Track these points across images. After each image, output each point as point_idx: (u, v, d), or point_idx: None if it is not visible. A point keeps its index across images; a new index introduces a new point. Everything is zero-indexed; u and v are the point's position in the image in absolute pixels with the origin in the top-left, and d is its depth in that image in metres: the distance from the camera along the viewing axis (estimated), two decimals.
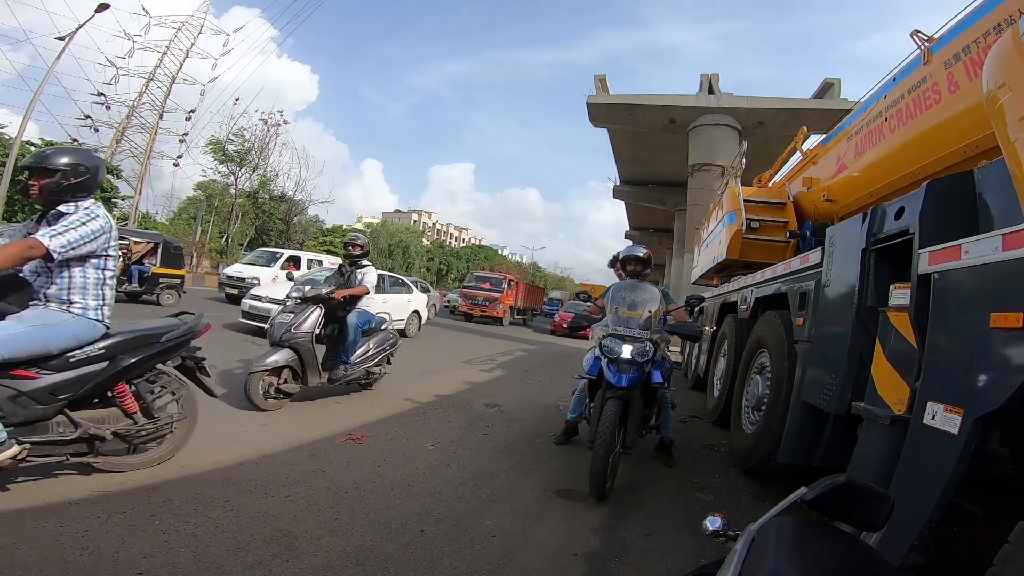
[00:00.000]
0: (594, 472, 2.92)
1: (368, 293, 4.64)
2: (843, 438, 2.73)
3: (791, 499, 1.03)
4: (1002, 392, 1.54)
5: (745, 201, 5.51)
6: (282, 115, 28.19)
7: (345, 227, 45.94)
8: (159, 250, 10.88)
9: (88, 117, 26.75)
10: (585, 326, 3.90)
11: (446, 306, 22.49)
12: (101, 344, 2.33)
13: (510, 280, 21.12)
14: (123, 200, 24.72)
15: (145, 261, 10.84)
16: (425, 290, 14.45)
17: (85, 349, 2.28)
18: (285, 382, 4.06)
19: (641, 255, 3.81)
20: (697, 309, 4.57)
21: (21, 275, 2.27)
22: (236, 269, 13.09)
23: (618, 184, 29.52)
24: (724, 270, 6.58)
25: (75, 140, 24.02)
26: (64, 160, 2.26)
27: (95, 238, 2.26)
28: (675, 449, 4.01)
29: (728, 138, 19.00)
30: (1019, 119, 1.72)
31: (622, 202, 33.13)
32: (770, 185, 6.43)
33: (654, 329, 3.36)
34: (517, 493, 3.01)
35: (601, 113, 21.16)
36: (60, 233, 2.14)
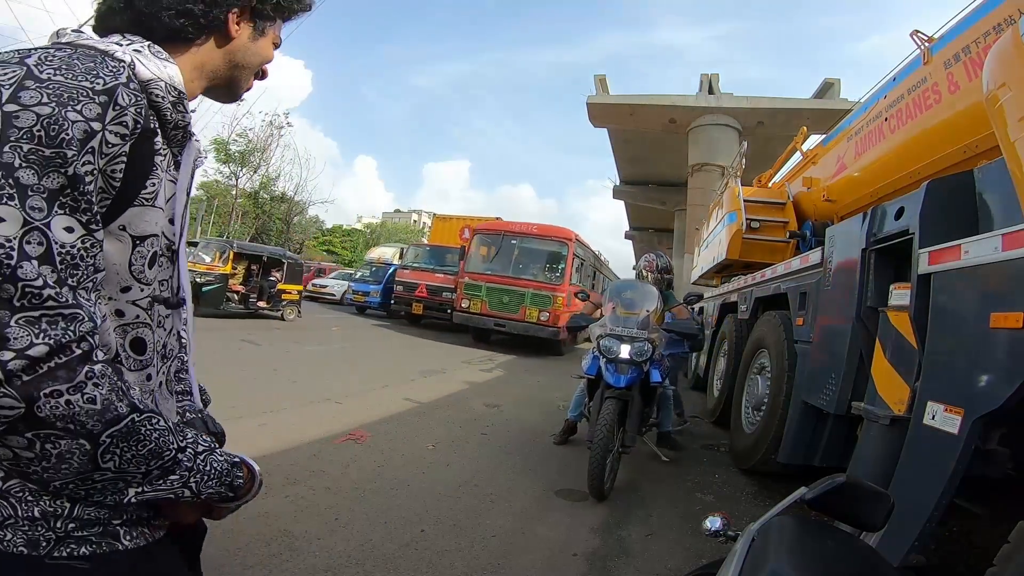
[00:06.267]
0: (592, 472, 2.91)
1: None
2: (843, 438, 2.74)
3: (791, 499, 1.02)
4: (1002, 392, 1.54)
5: (745, 201, 5.51)
6: (286, 117, 28.03)
7: (345, 227, 45.95)
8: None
9: None
10: (584, 326, 3.90)
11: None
12: None
13: None
14: None
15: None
16: None
17: None
18: None
19: (641, 270, 4.06)
20: (697, 307, 4.58)
21: None
22: None
23: (618, 184, 29.49)
24: (724, 270, 6.58)
25: None
26: None
27: None
28: (676, 441, 4.02)
29: (728, 138, 18.98)
30: (1019, 119, 1.72)
31: (621, 201, 33.12)
32: (770, 185, 6.43)
33: (652, 328, 3.37)
34: (517, 493, 3.01)
35: (601, 113, 21.14)
36: None
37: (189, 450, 0.64)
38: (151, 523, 0.66)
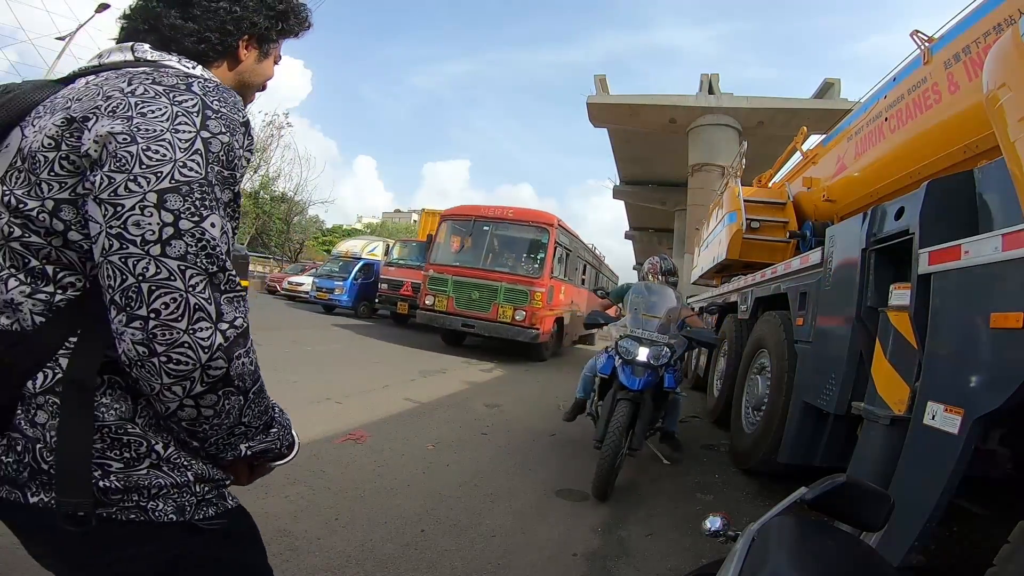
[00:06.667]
0: (600, 473, 2.91)
1: None
2: (843, 438, 2.73)
3: (791, 499, 1.03)
4: (1002, 392, 1.54)
5: (745, 201, 5.51)
6: (286, 117, 27.98)
7: (345, 227, 45.90)
8: None
9: None
10: (602, 323, 3.87)
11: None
12: None
13: None
14: None
15: None
16: None
17: None
18: None
19: (646, 274, 4.01)
20: (697, 308, 4.57)
21: None
22: None
23: (618, 184, 29.48)
24: (724, 270, 6.58)
25: None
26: None
27: None
28: (678, 442, 4.02)
29: (728, 138, 18.97)
30: (1019, 119, 1.72)
31: (621, 201, 33.09)
32: (770, 185, 6.43)
33: (672, 333, 3.35)
34: (517, 493, 3.01)
35: (601, 113, 21.14)
36: None
37: (276, 407, 0.77)
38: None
